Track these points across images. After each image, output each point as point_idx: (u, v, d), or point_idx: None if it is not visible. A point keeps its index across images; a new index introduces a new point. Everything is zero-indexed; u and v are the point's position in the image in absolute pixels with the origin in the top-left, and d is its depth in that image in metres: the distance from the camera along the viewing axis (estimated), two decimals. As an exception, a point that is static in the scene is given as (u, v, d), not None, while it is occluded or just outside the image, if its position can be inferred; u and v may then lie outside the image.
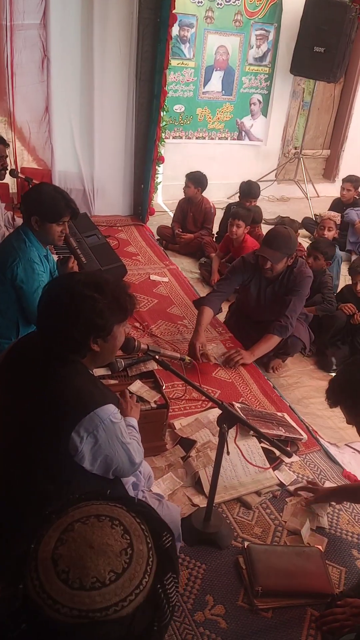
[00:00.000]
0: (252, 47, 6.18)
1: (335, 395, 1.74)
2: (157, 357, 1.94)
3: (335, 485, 2.30)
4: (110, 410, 1.49)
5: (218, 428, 2.45)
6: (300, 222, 5.41)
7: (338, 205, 5.70)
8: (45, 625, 0.69)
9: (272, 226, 5.71)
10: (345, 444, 2.85)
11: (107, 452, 1.50)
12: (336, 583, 1.90)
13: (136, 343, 1.88)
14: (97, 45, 4.22)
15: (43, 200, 2.34)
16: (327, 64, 5.80)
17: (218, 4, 5.76)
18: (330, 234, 4.29)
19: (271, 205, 6.55)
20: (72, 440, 1.44)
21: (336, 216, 4.34)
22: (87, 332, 1.47)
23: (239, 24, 5.99)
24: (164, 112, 4.71)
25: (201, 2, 5.68)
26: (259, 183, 5.33)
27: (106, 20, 4.19)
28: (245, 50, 6.15)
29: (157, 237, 5.03)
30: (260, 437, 1.90)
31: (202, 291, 4.16)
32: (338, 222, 4.33)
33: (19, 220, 3.55)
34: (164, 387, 2.39)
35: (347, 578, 1.93)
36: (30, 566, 0.74)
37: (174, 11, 4.29)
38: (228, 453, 1.86)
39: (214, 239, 5.01)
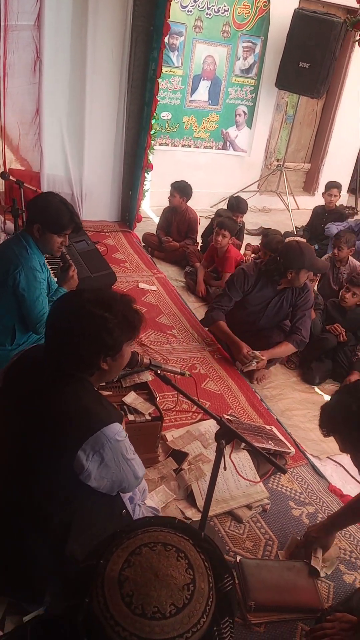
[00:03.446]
0: (239, 59, 6.26)
1: (329, 425, 1.73)
2: (159, 372, 1.95)
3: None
4: (116, 429, 1.49)
5: (209, 441, 2.50)
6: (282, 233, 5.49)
7: (320, 214, 5.79)
8: None
9: (256, 236, 5.86)
10: (328, 457, 2.91)
11: (113, 470, 1.51)
12: (325, 598, 1.94)
13: (139, 357, 1.88)
14: (90, 50, 4.21)
15: (48, 211, 2.33)
16: (312, 80, 5.90)
17: (207, 14, 5.82)
18: None
19: (253, 216, 6.63)
20: (78, 459, 1.43)
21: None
22: (97, 352, 1.47)
23: (227, 35, 6.06)
24: (154, 120, 4.72)
25: (190, 11, 5.73)
26: (243, 194, 5.40)
27: (100, 25, 4.18)
28: (232, 61, 6.22)
29: (142, 244, 5.03)
30: (256, 453, 1.93)
31: (188, 300, 4.19)
32: None
33: (9, 224, 3.51)
34: (157, 399, 2.40)
35: (336, 593, 1.97)
36: (97, 582, 0.74)
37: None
38: (225, 468, 1.88)
39: (198, 248, 5.05)
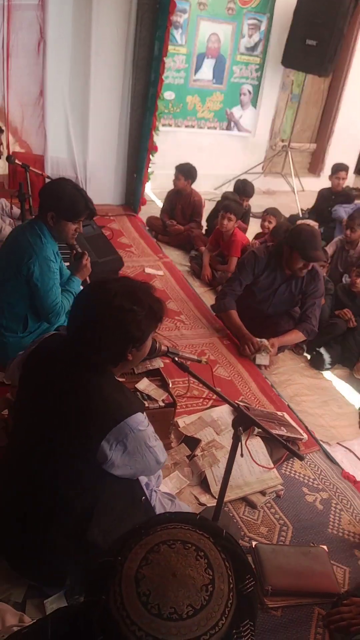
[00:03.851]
0: (244, 37, 6.12)
1: None
2: (176, 359, 1.94)
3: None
4: (139, 419, 1.50)
5: (222, 427, 2.51)
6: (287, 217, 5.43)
7: (326, 196, 5.70)
8: None
9: (259, 219, 5.80)
10: (337, 443, 2.91)
11: (136, 458, 1.52)
12: (341, 582, 1.96)
13: (157, 345, 1.87)
14: (95, 29, 4.10)
15: (63, 198, 2.28)
16: (319, 58, 5.75)
17: (211, -10, 5.67)
18: None
19: (258, 198, 6.52)
20: (102, 449, 1.44)
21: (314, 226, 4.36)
22: (125, 344, 1.47)
23: (232, 12, 5.92)
24: (159, 100, 4.62)
25: (195, -12, 5.58)
26: (247, 175, 5.32)
27: (104, 4, 4.06)
28: (237, 39, 6.08)
29: (146, 227, 4.97)
30: (274, 439, 1.93)
31: (194, 285, 4.16)
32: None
33: (16, 209, 3.45)
34: (170, 386, 2.40)
35: (351, 577, 1.99)
36: (114, 579, 0.73)
37: (171, -3, 4.19)
38: (242, 455, 1.89)
39: (203, 232, 4.99)
